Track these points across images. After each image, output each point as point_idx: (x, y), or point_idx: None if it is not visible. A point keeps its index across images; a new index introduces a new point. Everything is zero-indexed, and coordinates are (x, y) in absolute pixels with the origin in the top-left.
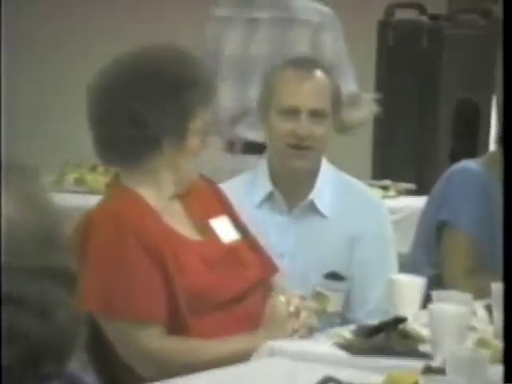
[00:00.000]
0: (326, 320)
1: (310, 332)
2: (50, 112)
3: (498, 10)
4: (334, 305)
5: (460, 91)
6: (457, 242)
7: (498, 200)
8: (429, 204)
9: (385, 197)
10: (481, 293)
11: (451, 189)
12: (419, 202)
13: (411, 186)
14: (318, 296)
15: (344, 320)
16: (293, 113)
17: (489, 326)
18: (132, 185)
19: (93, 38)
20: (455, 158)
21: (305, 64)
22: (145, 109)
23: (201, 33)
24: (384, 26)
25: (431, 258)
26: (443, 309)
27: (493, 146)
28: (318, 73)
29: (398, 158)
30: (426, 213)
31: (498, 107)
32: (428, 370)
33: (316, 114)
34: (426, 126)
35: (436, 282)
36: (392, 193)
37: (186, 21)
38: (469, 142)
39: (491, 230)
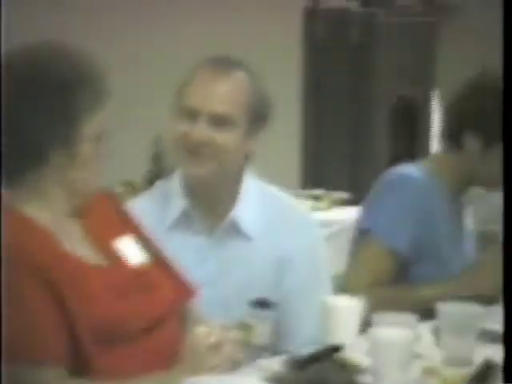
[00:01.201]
0: (253, 353)
1: (233, 367)
2: None
3: None
4: (260, 335)
5: (396, 87)
6: (371, 250)
7: (440, 210)
8: (359, 213)
9: (316, 209)
10: (384, 305)
11: (378, 194)
12: (354, 212)
13: (345, 195)
14: (243, 326)
15: (274, 353)
16: (192, 115)
17: (436, 352)
18: (16, 204)
19: None
20: (394, 163)
21: (221, 63)
22: (23, 116)
23: None
24: (310, 16)
25: None
26: (385, 334)
27: (435, 144)
28: (238, 74)
29: (330, 163)
30: (355, 223)
31: (441, 102)
32: None
33: (219, 119)
34: (360, 127)
35: None
36: (324, 203)
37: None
38: (407, 141)
39: (418, 242)
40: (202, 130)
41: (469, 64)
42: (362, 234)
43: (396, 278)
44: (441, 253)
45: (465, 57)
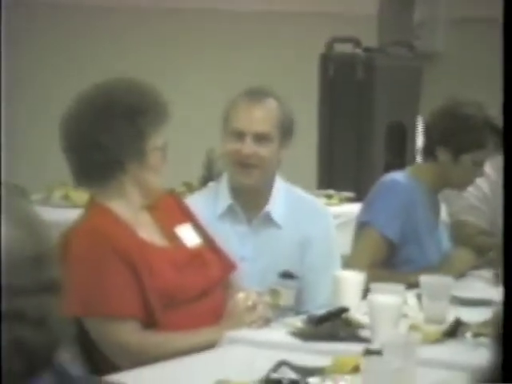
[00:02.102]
0: (280, 313)
1: (265, 323)
2: (38, 134)
3: (420, 45)
4: (286, 299)
5: (391, 115)
6: (370, 241)
7: (421, 206)
8: (360, 209)
9: (329, 204)
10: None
11: (375, 194)
12: (358, 207)
13: (351, 194)
14: (273, 292)
15: (297, 313)
16: (239, 135)
17: (419, 313)
18: (105, 202)
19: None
20: (388, 170)
21: (257, 93)
22: (105, 136)
23: None
24: (325, 59)
25: None
26: (380, 299)
27: (419, 158)
28: (268, 100)
29: (339, 170)
30: (356, 217)
31: (422, 126)
32: (368, 353)
33: (261, 137)
34: (363, 144)
35: None
36: (335, 200)
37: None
38: (398, 157)
39: (414, 230)
40: (249, 147)
41: (444, 97)
42: (363, 225)
43: (387, 259)
44: (421, 240)
45: (442, 92)
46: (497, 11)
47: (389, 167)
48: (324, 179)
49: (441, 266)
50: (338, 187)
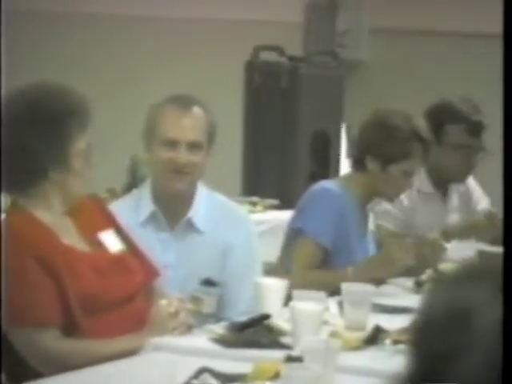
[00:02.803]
0: (202, 320)
1: (188, 330)
2: None
3: (344, 54)
4: (208, 307)
5: (315, 123)
6: (305, 247)
7: (351, 215)
8: (292, 216)
9: (253, 211)
10: (309, 287)
11: (308, 202)
12: (282, 215)
13: (275, 201)
14: (195, 300)
15: (218, 320)
16: (173, 144)
17: (340, 320)
18: (26, 207)
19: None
20: (312, 178)
21: (183, 101)
22: (28, 142)
23: None
24: (250, 67)
25: (288, 263)
26: (301, 306)
27: (343, 166)
28: (195, 108)
29: (264, 178)
30: (288, 223)
31: (348, 135)
32: (289, 359)
33: (193, 146)
34: (287, 152)
35: None
36: (259, 208)
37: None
38: (322, 165)
39: (347, 237)
40: (183, 155)
41: (367, 106)
42: (296, 233)
43: (320, 265)
44: (351, 248)
45: (366, 101)
46: (419, 23)
47: (313, 175)
48: (248, 186)
49: (366, 265)
50: (263, 194)
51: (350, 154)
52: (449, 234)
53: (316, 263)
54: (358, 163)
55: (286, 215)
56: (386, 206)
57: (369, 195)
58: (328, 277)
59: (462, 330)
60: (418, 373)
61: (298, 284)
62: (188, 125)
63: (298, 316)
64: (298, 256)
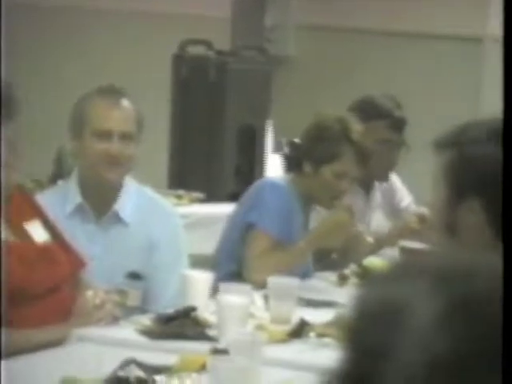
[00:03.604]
0: (127, 312)
1: (113, 321)
2: None
3: (271, 49)
4: (133, 300)
5: (242, 117)
6: (259, 239)
7: (296, 212)
8: (238, 208)
9: (178, 204)
10: (269, 271)
11: (260, 196)
12: (207, 208)
13: (201, 195)
14: (120, 292)
15: (144, 312)
16: (106, 135)
17: (265, 313)
18: None
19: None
20: (238, 172)
21: (113, 92)
22: None
23: None
24: (177, 60)
25: (234, 255)
26: (228, 299)
27: (269, 160)
28: (125, 100)
29: (190, 171)
30: (234, 217)
31: (273, 130)
32: (214, 351)
33: (125, 136)
34: (214, 146)
35: (235, 276)
36: (185, 201)
37: None
38: (248, 160)
39: (289, 234)
40: (117, 146)
41: (294, 101)
42: (248, 227)
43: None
44: (293, 241)
45: (293, 96)
46: (346, 20)
47: (238, 169)
48: (175, 179)
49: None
50: (189, 188)
51: (282, 154)
52: (381, 242)
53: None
54: (294, 164)
55: (211, 208)
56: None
57: (308, 197)
58: (283, 254)
59: (394, 328)
60: (351, 370)
61: (256, 272)
62: (120, 116)
63: (224, 309)
64: (253, 248)
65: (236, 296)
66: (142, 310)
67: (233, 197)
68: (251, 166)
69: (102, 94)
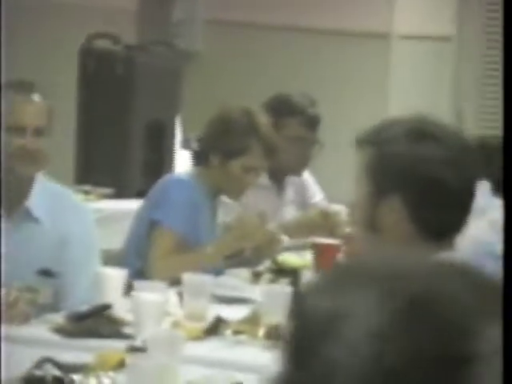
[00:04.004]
0: (39, 310)
1: (26, 319)
2: None
3: (180, 44)
4: (44, 297)
5: (150, 112)
6: (164, 237)
7: (203, 207)
8: (144, 205)
9: (86, 200)
10: (172, 272)
11: (164, 193)
12: (116, 203)
13: (108, 190)
14: (32, 290)
15: (56, 310)
16: (21, 130)
17: (180, 311)
18: None
19: None
20: (147, 167)
21: (23, 87)
22: None
23: None
24: (84, 54)
25: (141, 253)
26: (144, 297)
27: (179, 156)
28: (36, 95)
29: (97, 166)
30: (140, 213)
31: (181, 125)
32: (132, 349)
33: (39, 132)
34: (122, 141)
35: (143, 274)
36: (92, 197)
37: None
38: (157, 155)
39: (197, 228)
40: (32, 141)
41: (203, 96)
42: (153, 224)
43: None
44: (200, 238)
45: (202, 92)
46: (255, 16)
47: (147, 165)
48: (81, 175)
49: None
50: (96, 183)
51: (191, 148)
52: (285, 230)
53: (174, 252)
54: (202, 158)
55: (119, 204)
56: (224, 199)
57: (216, 190)
58: (188, 258)
59: (334, 339)
60: (292, 379)
61: (159, 271)
62: (33, 110)
63: (140, 306)
64: (158, 246)
65: (152, 293)
66: (53, 307)
67: (141, 193)
68: (160, 162)
69: (13, 88)
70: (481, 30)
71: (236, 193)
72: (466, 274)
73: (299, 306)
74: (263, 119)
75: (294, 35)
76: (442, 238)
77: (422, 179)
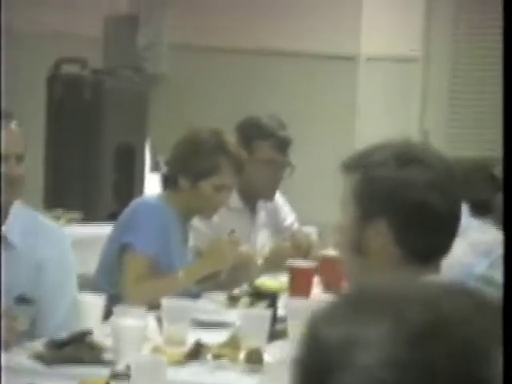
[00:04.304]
0: (16, 338)
1: (6, 347)
2: None
3: (147, 68)
4: (22, 324)
5: (119, 135)
6: (136, 261)
7: (173, 230)
8: (115, 229)
9: None
10: (145, 298)
11: (135, 216)
12: (85, 228)
13: (78, 214)
14: (9, 317)
15: (33, 337)
16: (4, 158)
17: (159, 336)
18: None
19: None
20: (116, 190)
21: (5, 117)
22: None
23: None
24: (52, 79)
25: (113, 278)
26: (124, 322)
27: (149, 179)
28: (13, 123)
29: (67, 190)
30: (111, 237)
31: (150, 148)
32: (115, 376)
33: (20, 158)
34: (91, 164)
35: (115, 300)
36: (62, 221)
37: None
38: (127, 178)
39: (168, 252)
40: (16, 168)
41: (170, 119)
42: (124, 247)
43: (149, 275)
44: (171, 260)
45: (169, 114)
46: (221, 40)
47: (117, 188)
48: (51, 199)
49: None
50: (66, 207)
51: (160, 171)
52: (268, 262)
53: (147, 276)
54: (170, 181)
55: (89, 229)
56: (195, 223)
57: (186, 213)
58: (161, 283)
59: (349, 368)
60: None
61: (132, 297)
62: (13, 137)
63: (121, 332)
64: (130, 270)
65: (131, 318)
66: (31, 334)
67: (111, 217)
68: (130, 185)
69: None
70: (447, 49)
71: (208, 212)
72: (471, 296)
73: (312, 336)
74: (230, 138)
75: (262, 58)
76: (427, 261)
77: (408, 203)
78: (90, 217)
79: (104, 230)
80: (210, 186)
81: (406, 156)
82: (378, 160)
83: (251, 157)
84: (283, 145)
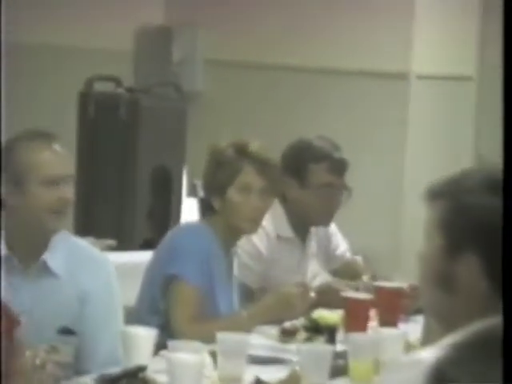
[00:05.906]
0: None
1: (55, 382)
2: None
3: (184, 84)
4: (65, 356)
5: (156, 157)
6: (186, 295)
7: (216, 258)
8: (156, 259)
9: None
10: (202, 338)
11: (179, 245)
12: (119, 256)
13: (112, 242)
14: (52, 349)
15: (77, 371)
16: (56, 181)
17: (214, 372)
18: None
19: None
20: (152, 215)
21: (46, 137)
22: None
23: None
24: (84, 98)
25: (157, 308)
26: (180, 357)
27: (185, 203)
28: (57, 145)
29: (100, 216)
30: (153, 267)
31: (187, 170)
32: None
33: (69, 180)
34: (125, 189)
35: (160, 330)
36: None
37: None
38: (163, 201)
39: (212, 282)
40: (68, 192)
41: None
42: (171, 279)
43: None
44: (214, 292)
45: (207, 134)
46: (263, 56)
47: (152, 214)
48: (82, 226)
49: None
50: (98, 234)
51: (198, 195)
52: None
53: (198, 308)
54: (207, 205)
55: (123, 257)
56: (244, 259)
57: (229, 235)
58: (222, 325)
59: None
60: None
61: (190, 336)
62: (62, 160)
63: (177, 368)
64: (182, 306)
65: (188, 354)
66: (74, 368)
67: (146, 244)
68: (166, 211)
69: (37, 139)
70: (500, 69)
71: (245, 222)
72: None
73: (439, 379)
74: (255, 142)
75: (307, 76)
76: None
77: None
78: (123, 244)
79: (138, 257)
80: (236, 190)
81: (497, 183)
82: (468, 187)
83: (304, 182)
84: (340, 167)
